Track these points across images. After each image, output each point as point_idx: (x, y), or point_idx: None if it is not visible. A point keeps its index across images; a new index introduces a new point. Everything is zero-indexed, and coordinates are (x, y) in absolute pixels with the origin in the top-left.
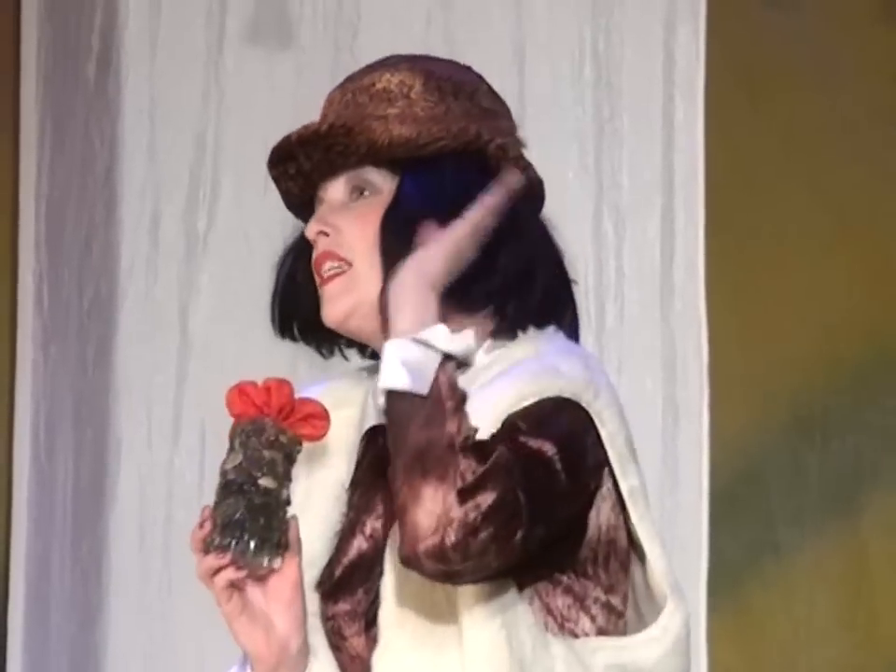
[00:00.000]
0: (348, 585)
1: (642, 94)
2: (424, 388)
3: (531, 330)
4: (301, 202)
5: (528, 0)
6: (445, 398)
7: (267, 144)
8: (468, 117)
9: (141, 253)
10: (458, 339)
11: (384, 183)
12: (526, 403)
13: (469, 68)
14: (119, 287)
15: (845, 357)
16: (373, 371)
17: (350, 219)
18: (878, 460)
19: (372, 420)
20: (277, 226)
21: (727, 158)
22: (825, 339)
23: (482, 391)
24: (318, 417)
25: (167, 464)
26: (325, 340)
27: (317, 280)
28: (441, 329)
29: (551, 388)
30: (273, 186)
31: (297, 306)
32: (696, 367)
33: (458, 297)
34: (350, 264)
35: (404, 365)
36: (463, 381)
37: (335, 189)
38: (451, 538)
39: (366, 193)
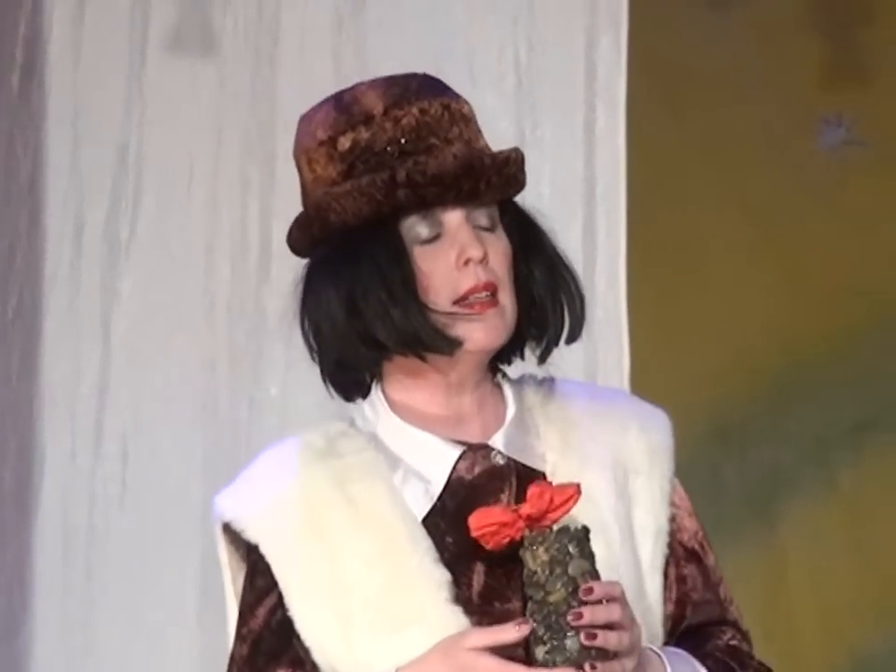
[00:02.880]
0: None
1: (564, 104)
2: None
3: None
4: (373, 216)
5: (448, 9)
6: None
7: (190, 153)
8: None
9: (64, 262)
10: None
11: (498, 220)
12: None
13: None
14: (43, 295)
15: (763, 368)
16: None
17: (497, 251)
18: (796, 469)
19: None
20: (199, 236)
21: (648, 168)
22: (744, 350)
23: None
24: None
25: (90, 473)
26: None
27: (455, 302)
28: None
29: None
30: (195, 194)
31: (407, 317)
32: (617, 377)
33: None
34: (497, 291)
35: None
36: (559, 420)
37: (463, 216)
38: None
39: (492, 225)
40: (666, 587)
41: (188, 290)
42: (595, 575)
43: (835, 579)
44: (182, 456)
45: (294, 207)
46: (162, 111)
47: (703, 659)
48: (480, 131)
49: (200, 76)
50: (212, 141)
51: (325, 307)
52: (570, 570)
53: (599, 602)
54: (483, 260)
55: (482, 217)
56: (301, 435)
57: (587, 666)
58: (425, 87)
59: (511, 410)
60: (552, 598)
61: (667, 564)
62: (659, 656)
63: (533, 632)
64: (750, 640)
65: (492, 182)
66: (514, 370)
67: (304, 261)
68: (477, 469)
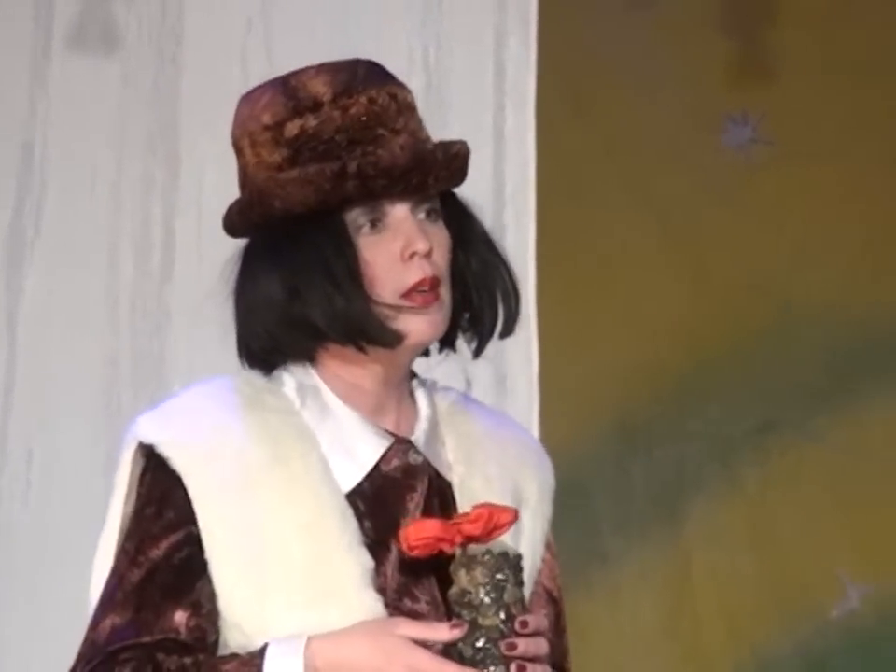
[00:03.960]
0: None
1: (472, 104)
2: None
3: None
4: (319, 206)
5: (356, 9)
6: None
7: (93, 152)
8: None
9: None
10: None
11: (440, 212)
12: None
13: None
14: None
15: (668, 368)
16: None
17: (439, 244)
18: (701, 469)
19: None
20: (103, 235)
21: (557, 167)
22: (649, 349)
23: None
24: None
25: None
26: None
27: (401, 295)
28: None
29: None
30: (99, 193)
31: (350, 307)
32: (526, 377)
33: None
34: (439, 285)
35: None
36: (465, 434)
37: (409, 209)
38: None
39: (434, 217)
40: None
41: (91, 289)
42: (524, 604)
43: (739, 578)
44: (86, 455)
45: (197, 207)
46: (66, 110)
47: None
48: (421, 120)
49: (103, 74)
50: (116, 140)
51: (264, 291)
52: (506, 597)
53: (531, 635)
54: (429, 254)
55: (424, 210)
56: (226, 379)
57: None
58: (371, 74)
59: (424, 411)
60: (485, 622)
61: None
62: None
63: (460, 650)
64: None
65: (440, 176)
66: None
67: (215, 257)
68: (394, 463)
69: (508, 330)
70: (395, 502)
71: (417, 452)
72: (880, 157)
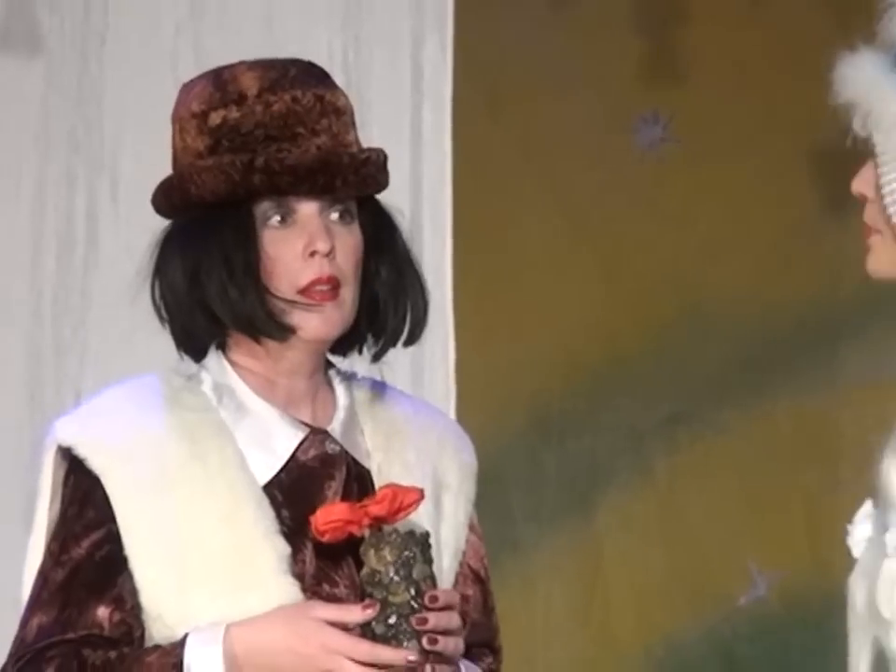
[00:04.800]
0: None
1: (391, 105)
2: None
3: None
4: (229, 196)
5: (279, 11)
6: None
7: (17, 150)
8: None
9: None
10: None
11: (355, 215)
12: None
13: None
14: None
15: (581, 362)
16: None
17: (346, 245)
18: (612, 460)
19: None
20: (26, 230)
21: (473, 166)
22: (563, 343)
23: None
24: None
25: None
26: (212, 335)
27: (299, 291)
28: None
29: None
30: (23, 190)
31: (243, 296)
32: (443, 370)
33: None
34: (340, 286)
35: None
36: (386, 423)
37: (318, 208)
38: None
39: (347, 219)
40: None
41: (15, 284)
42: (434, 580)
43: (649, 566)
44: (10, 446)
45: (118, 203)
46: None
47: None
48: (353, 124)
49: (27, 74)
50: (40, 138)
51: (170, 277)
52: (415, 574)
53: (442, 609)
54: (330, 254)
55: (337, 211)
56: (151, 378)
57: (428, 668)
58: (302, 75)
59: (342, 402)
60: (395, 600)
61: (455, 582)
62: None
63: (373, 629)
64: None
65: (349, 180)
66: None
67: (131, 253)
68: (312, 453)
69: (412, 339)
70: (313, 491)
71: (335, 441)
72: (787, 156)
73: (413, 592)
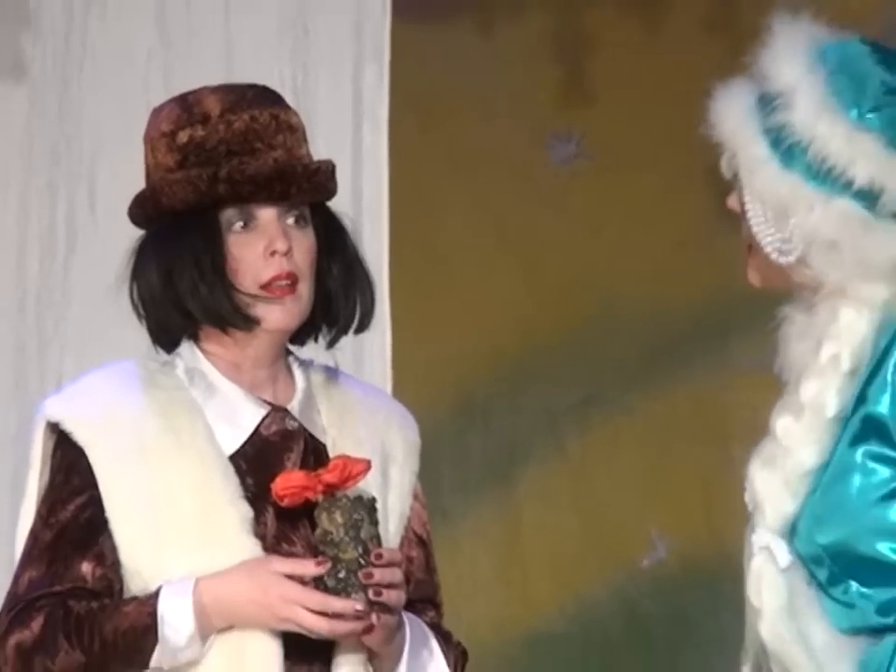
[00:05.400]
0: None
1: (335, 124)
2: None
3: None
4: (197, 205)
5: (237, 41)
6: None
7: (4, 165)
8: None
9: None
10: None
11: (309, 217)
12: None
13: None
14: None
15: (503, 352)
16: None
17: (302, 245)
18: (530, 438)
19: (235, 401)
20: (12, 237)
21: (407, 179)
22: (487, 336)
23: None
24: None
25: None
26: (182, 327)
27: (261, 287)
28: None
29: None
30: (9, 200)
31: (212, 292)
32: (381, 360)
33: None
34: (297, 282)
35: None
36: (339, 402)
37: (276, 214)
38: None
39: (302, 224)
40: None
41: (2, 284)
42: (379, 540)
43: (563, 533)
44: None
45: (95, 212)
46: None
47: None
48: (304, 140)
49: (13, 97)
50: (24, 154)
51: (146, 279)
52: (362, 534)
53: (386, 565)
54: (288, 253)
55: (293, 216)
56: (128, 363)
57: (374, 617)
58: (259, 97)
59: (300, 385)
60: (345, 557)
61: (401, 544)
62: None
63: (325, 582)
64: (442, 621)
65: (302, 187)
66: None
67: (112, 254)
68: (273, 428)
69: (362, 328)
70: (274, 462)
71: (293, 419)
72: (686, 169)
73: (360, 550)
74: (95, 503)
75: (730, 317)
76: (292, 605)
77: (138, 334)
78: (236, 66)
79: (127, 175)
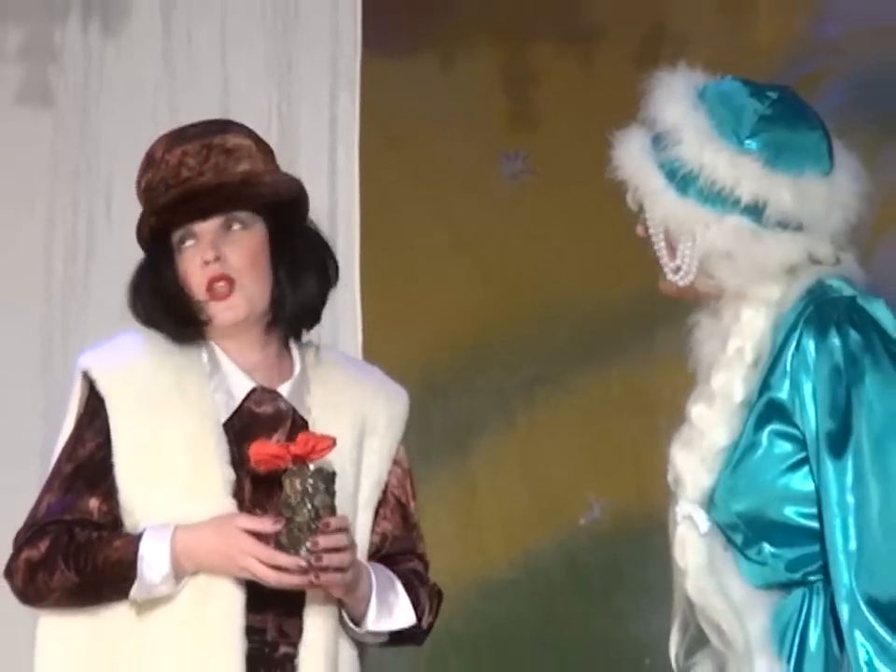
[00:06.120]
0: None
1: (313, 145)
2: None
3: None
4: (154, 234)
5: (232, 74)
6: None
7: (32, 181)
8: (288, 173)
9: None
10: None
11: (253, 221)
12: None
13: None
14: None
15: (460, 340)
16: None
17: (235, 246)
18: (484, 414)
19: (233, 379)
20: (40, 243)
21: (376, 193)
22: (446, 327)
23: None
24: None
25: None
26: (181, 333)
27: (204, 291)
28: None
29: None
30: (37, 212)
31: (172, 307)
32: (353, 349)
33: (292, 333)
34: (233, 280)
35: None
36: (329, 382)
37: (211, 224)
38: None
39: (235, 227)
40: (376, 523)
41: (31, 282)
42: (333, 510)
43: (513, 495)
44: (27, 405)
45: (111, 223)
46: (12, 150)
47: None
48: (245, 157)
49: (40, 123)
50: (49, 171)
51: (140, 295)
52: (316, 501)
53: (333, 532)
54: (217, 260)
55: (233, 222)
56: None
57: (312, 576)
58: (201, 131)
59: (297, 368)
60: (298, 519)
61: (380, 505)
62: (366, 567)
63: (280, 539)
64: (428, 570)
65: (210, 202)
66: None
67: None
68: (264, 407)
69: (311, 319)
70: (259, 437)
71: (285, 401)
72: (617, 183)
73: (312, 514)
74: (107, 447)
75: (656, 311)
76: (247, 556)
77: None
78: (231, 96)
79: (134, 192)
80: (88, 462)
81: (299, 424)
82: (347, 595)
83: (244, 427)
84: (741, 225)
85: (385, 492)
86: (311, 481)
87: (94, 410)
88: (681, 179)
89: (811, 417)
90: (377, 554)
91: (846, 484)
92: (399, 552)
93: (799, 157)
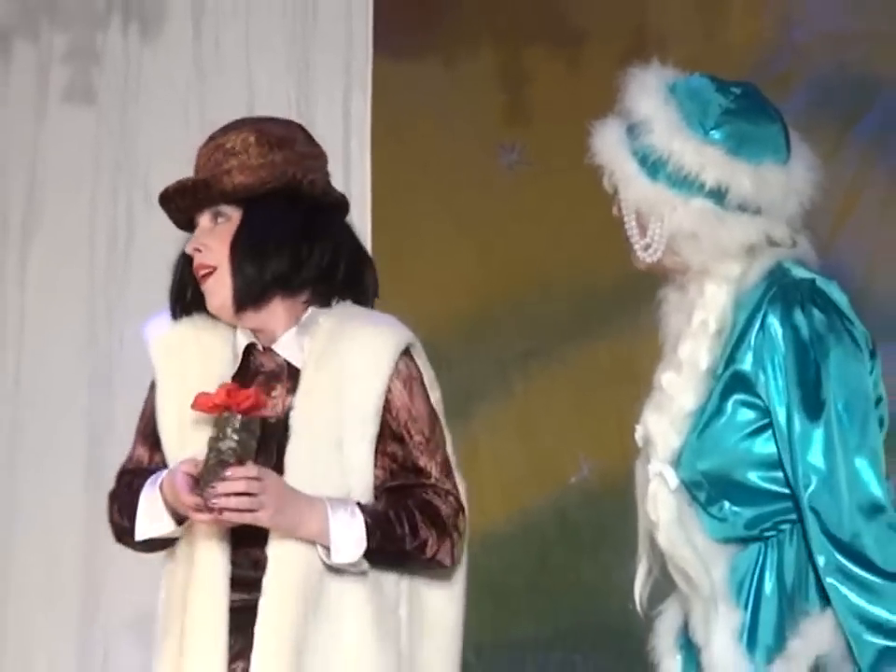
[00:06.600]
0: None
1: (329, 137)
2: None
3: (339, 302)
4: (188, 224)
5: (256, 75)
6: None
7: (76, 172)
8: (287, 163)
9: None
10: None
11: (233, 213)
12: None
13: (289, 122)
14: None
15: (462, 314)
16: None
17: (213, 238)
18: (484, 383)
19: (243, 340)
20: (85, 228)
21: (386, 181)
22: (449, 302)
23: (356, 338)
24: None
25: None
26: (196, 311)
27: (199, 279)
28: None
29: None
30: (81, 200)
31: (186, 293)
32: None
33: (286, 286)
34: (216, 268)
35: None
36: (323, 336)
37: (204, 219)
38: None
39: (220, 220)
40: (377, 458)
41: (76, 264)
42: (238, 456)
43: (510, 457)
44: (73, 372)
45: (151, 209)
46: (59, 144)
47: (372, 508)
48: (236, 154)
49: (84, 118)
50: (93, 163)
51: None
52: (221, 446)
53: (234, 479)
54: (198, 251)
55: (219, 216)
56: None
57: (216, 514)
58: (217, 132)
59: (295, 327)
60: (208, 462)
61: (379, 442)
62: (323, 502)
63: (199, 479)
64: (450, 498)
65: (201, 196)
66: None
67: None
68: (265, 363)
69: (252, 301)
70: (261, 390)
71: (279, 356)
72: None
73: (217, 459)
74: (155, 408)
75: (640, 289)
76: (176, 492)
77: None
78: (255, 95)
79: (173, 178)
80: (146, 419)
81: (294, 377)
82: (292, 532)
83: (246, 382)
84: (705, 208)
85: (382, 428)
86: (222, 428)
87: (153, 375)
88: (652, 165)
89: (778, 389)
90: (381, 488)
91: (817, 450)
92: (399, 485)
93: (759, 147)
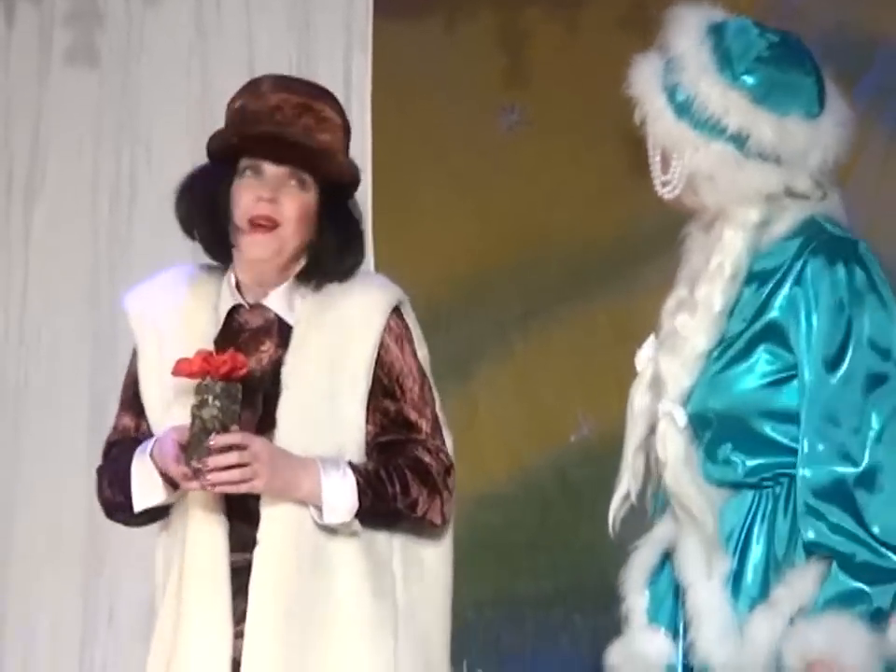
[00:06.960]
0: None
1: None
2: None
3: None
4: (224, 151)
5: (256, 36)
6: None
7: (80, 132)
8: (348, 149)
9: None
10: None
11: (312, 185)
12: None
13: (338, 103)
14: None
15: (462, 275)
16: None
17: (291, 199)
18: (484, 343)
19: (228, 301)
20: (88, 186)
21: (386, 143)
22: (449, 263)
23: (360, 295)
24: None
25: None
26: (213, 243)
27: (247, 222)
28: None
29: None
30: (84, 158)
31: (212, 217)
32: None
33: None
34: (277, 225)
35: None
36: (316, 294)
37: (281, 173)
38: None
39: (293, 183)
40: (369, 414)
41: (80, 222)
42: (221, 423)
43: (510, 416)
44: (75, 331)
45: (152, 167)
46: (63, 104)
47: (363, 467)
48: (330, 130)
49: (87, 80)
50: (95, 123)
51: (190, 196)
52: (204, 414)
53: (219, 449)
54: (272, 201)
55: (294, 179)
56: (189, 265)
57: (203, 482)
58: (303, 88)
59: (284, 284)
60: (194, 429)
61: (371, 398)
62: (316, 463)
63: (187, 444)
64: (441, 455)
65: (291, 154)
66: None
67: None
68: (251, 320)
69: (347, 276)
70: (246, 350)
71: (270, 311)
72: (603, 134)
73: (200, 427)
74: (137, 376)
75: (638, 248)
76: (165, 461)
77: (191, 256)
78: (255, 55)
79: (175, 138)
80: (128, 389)
81: (285, 332)
82: (271, 493)
83: (230, 341)
84: (725, 151)
85: (374, 385)
86: (203, 396)
87: (134, 346)
88: (680, 103)
89: (809, 342)
90: (373, 443)
91: (832, 404)
92: (390, 441)
93: (787, 97)
